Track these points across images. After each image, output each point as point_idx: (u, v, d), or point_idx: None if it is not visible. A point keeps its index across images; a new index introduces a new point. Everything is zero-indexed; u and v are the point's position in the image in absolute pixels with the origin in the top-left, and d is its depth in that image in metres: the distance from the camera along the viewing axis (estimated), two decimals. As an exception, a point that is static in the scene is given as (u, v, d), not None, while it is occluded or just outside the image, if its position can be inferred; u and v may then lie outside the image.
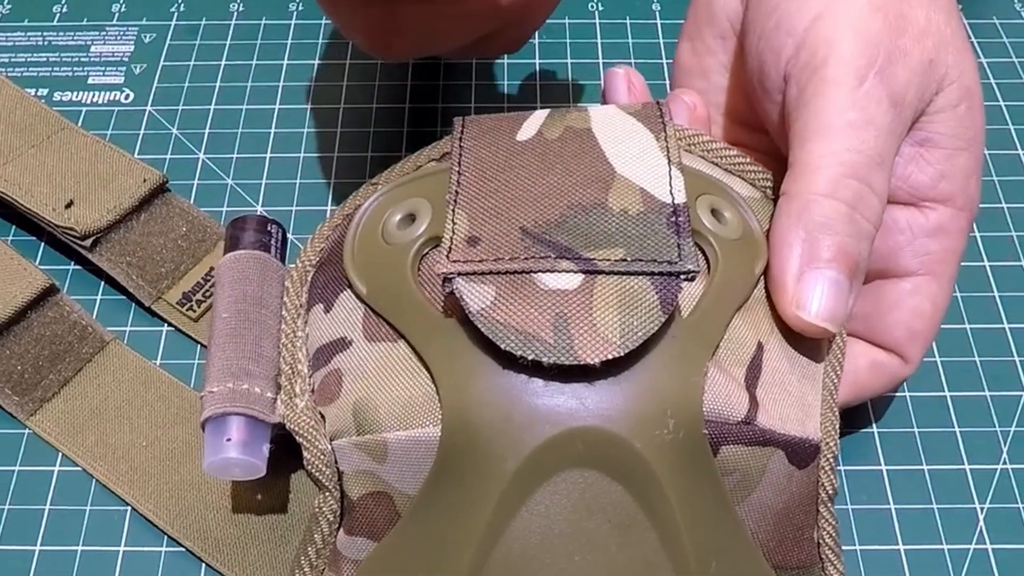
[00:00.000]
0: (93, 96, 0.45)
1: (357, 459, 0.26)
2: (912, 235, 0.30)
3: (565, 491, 0.23)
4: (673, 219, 0.25)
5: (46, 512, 0.33)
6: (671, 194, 0.26)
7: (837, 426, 0.28)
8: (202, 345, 0.37)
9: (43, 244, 0.40)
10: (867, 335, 0.31)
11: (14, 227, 0.41)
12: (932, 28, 0.28)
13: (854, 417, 0.35)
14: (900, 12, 0.27)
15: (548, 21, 0.48)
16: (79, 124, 0.43)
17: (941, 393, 0.36)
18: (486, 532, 0.23)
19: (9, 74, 0.46)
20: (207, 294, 0.38)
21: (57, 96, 0.45)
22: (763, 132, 0.32)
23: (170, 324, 0.38)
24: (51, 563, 0.32)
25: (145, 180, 0.39)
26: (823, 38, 0.27)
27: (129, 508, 0.33)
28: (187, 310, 0.38)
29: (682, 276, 0.24)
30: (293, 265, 0.31)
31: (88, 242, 0.38)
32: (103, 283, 0.39)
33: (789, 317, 0.27)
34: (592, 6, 0.49)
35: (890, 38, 0.27)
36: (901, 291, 0.30)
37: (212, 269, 0.38)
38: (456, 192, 0.27)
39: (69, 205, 0.38)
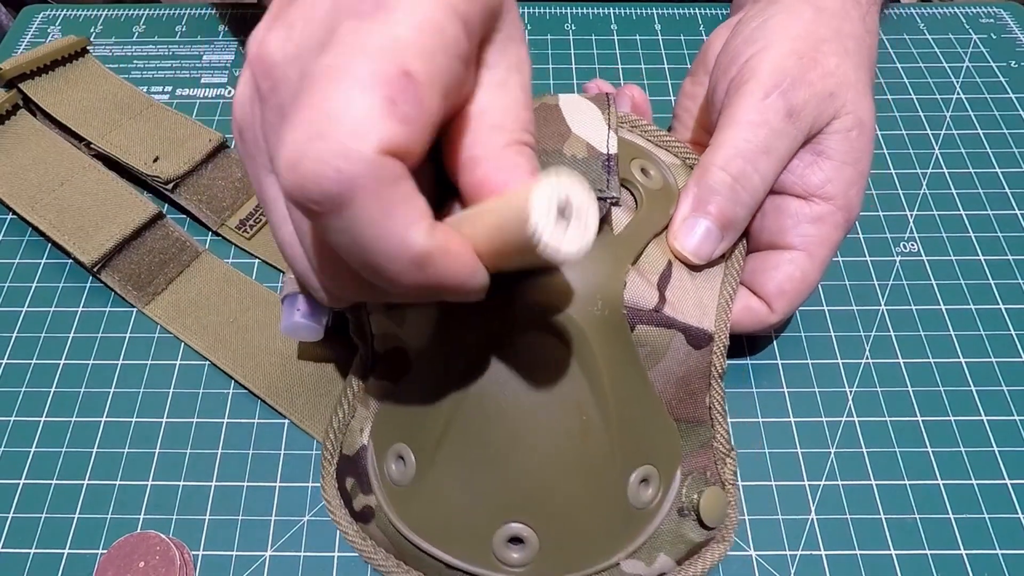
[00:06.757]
0: (204, 92, 0.45)
1: (385, 325, 0.27)
2: (798, 220, 0.29)
3: (524, 346, 0.24)
4: (606, 163, 0.26)
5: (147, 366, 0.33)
6: (607, 147, 0.27)
7: (728, 325, 0.29)
8: (257, 257, 0.37)
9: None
10: (749, 285, 0.31)
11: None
12: (839, 72, 0.28)
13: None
14: (814, 58, 0.28)
15: (535, 37, 0.47)
16: (194, 113, 0.43)
17: (820, 307, 0.35)
18: (468, 371, 0.24)
19: (144, 75, 0.45)
20: (257, 220, 0.38)
21: (178, 92, 0.44)
22: None
23: (230, 242, 0.38)
24: (178, 400, 0.32)
25: (210, 140, 0.39)
26: (752, 66, 0.29)
27: (207, 363, 0.33)
28: (242, 232, 0.38)
29: (608, 200, 0.25)
30: None
31: (170, 186, 0.38)
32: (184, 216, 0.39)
33: (669, 243, 0.28)
34: (567, 27, 0.49)
35: (799, 72, 0.28)
36: (781, 259, 0.30)
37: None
38: None
39: (156, 160, 0.38)
